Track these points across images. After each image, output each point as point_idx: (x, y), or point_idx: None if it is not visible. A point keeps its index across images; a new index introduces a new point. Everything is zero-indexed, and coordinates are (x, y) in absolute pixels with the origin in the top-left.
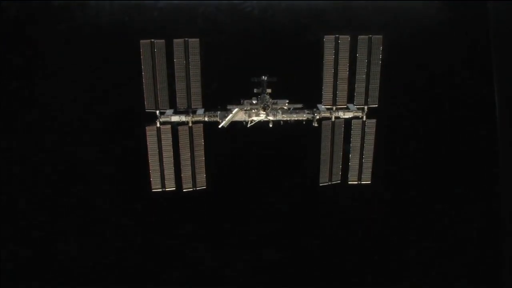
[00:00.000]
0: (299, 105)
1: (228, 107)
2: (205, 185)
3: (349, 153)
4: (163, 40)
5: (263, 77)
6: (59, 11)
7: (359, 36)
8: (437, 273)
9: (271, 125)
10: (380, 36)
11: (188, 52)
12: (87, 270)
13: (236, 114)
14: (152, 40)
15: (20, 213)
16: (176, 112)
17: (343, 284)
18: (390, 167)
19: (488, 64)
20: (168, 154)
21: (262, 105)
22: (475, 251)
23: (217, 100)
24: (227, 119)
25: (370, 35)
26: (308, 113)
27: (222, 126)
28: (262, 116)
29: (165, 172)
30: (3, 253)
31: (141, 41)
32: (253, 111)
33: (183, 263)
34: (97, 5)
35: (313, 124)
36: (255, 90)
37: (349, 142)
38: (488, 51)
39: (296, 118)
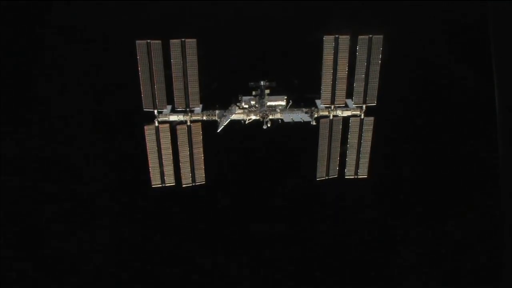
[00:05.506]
0: (299, 110)
1: (225, 113)
2: (204, 180)
3: (347, 151)
4: (159, 41)
5: (262, 82)
6: (56, 11)
7: (359, 36)
8: (436, 273)
9: (269, 125)
10: (381, 36)
11: (185, 53)
12: (87, 269)
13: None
14: (148, 40)
15: (19, 211)
16: (174, 111)
17: (343, 281)
18: (388, 165)
19: (488, 64)
20: (167, 152)
21: (261, 114)
22: (475, 251)
23: (216, 99)
24: (225, 123)
25: (371, 35)
26: (306, 112)
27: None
28: (260, 116)
29: (165, 168)
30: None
31: (137, 41)
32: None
33: (182, 261)
34: (96, 4)
35: (311, 123)
36: (253, 93)
37: (347, 140)
38: (488, 51)
39: (294, 119)
